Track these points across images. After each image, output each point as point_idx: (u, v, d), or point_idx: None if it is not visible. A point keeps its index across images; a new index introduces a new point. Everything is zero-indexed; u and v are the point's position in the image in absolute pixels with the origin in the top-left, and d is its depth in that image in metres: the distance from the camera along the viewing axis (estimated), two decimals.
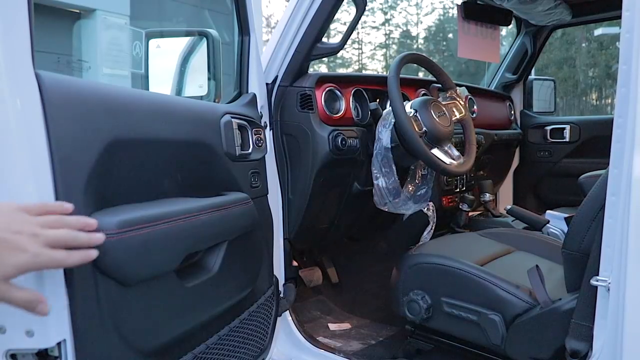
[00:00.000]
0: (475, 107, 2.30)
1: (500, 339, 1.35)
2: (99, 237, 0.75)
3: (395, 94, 1.57)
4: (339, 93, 1.67)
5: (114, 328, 0.90)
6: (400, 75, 1.62)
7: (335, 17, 1.61)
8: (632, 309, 1.02)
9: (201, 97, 1.45)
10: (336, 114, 1.65)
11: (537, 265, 1.34)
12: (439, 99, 1.77)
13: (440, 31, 20.63)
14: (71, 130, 0.83)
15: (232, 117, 1.27)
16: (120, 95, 0.98)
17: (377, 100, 1.82)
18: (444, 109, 1.71)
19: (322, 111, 1.61)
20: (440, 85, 1.85)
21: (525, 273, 1.34)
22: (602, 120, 2.66)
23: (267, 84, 1.56)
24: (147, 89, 1.42)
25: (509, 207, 2.12)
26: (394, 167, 1.62)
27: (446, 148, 1.68)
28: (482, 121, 2.30)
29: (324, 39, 1.60)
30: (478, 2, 2.26)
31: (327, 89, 1.64)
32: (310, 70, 1.65)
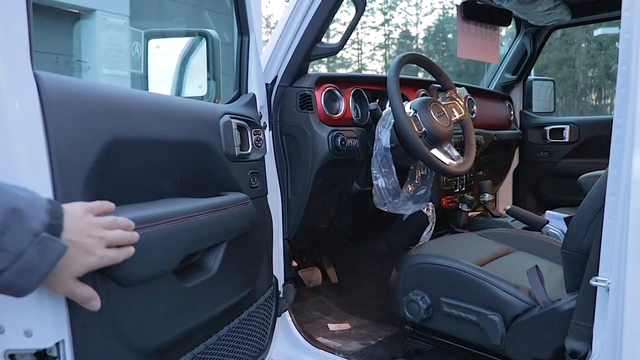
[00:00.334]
0: (474, 107, 2.30)
1: (500, 339, 1.35)
2: (136, 236, 0.84)
3: (394, 94, 1.57)
4: (338, 93, 1.67)
5: (112, 328, 0.89)
6: (400, 76, 1.62)
7: (335, 17, 1.61)
8: (631, 309, 1.02)
9: (201, 98, 1.45)
10: (336, 114, 1.65)
11: (536, 266, 1.34)
12: (438, 99, 1.77)
13: (439, 31, 20.63)
14: (70, 130, 0.83)
15: (231, 118, 1.27)
16: (119, 95, 0.98)
17: (377, 100, 1.82)
18: (444, 109, 1.71)
19: (322, 111, 1.61)
20: (439, 86, 1.85)
21: (525, 273, 1.34)
22: (602, 121, 2.66)
23: (266, 84, 1.56)
24: (147, 90, 1.41)
25: (508, 207, 2.12)
26: (393, 168, 1.62)
27: (446, 148, 1.68)
28: (482, 121, 2.30)
29: (324, 39, 1.60)
30: (477, 2, 2.26)
31: (326, 89, 1.64)
32: (310, 70, 1.65)
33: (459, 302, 1.44)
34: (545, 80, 2.96)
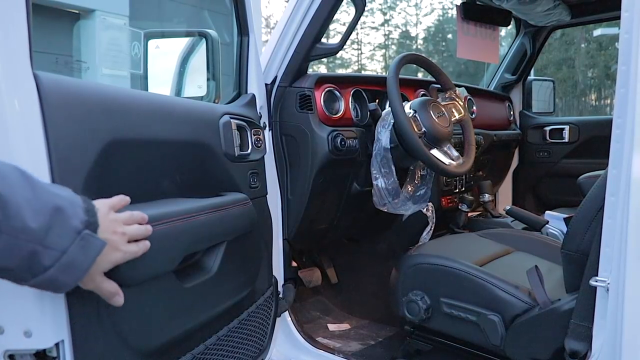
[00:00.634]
0: (474, 107, 2.30)
1: (500, 339, 1.35)
2: (150, 229, 0.86)
3: (394, 94, 1.57)
4: (338, 93, 1.67)
5: (112, 328, 0.89)
6: (400, 76, 1.62)
7: (335, 17, 1.61)
8: (631, 309, 1.02)
9: (200, 98, 1.45)
10: (335, 114, 1.65)
11: (536, 266, 1.34)
12: (438, 100, 1.77)
13: (439, 32, 20.63)
14: (69, 130, 0.83)
15: (231, 118, 1.27)
16: (119, 95, 0.98)
17: (377, 100, 1.82)
18: (443, 109, 1.71)
19: (322, 112, 1.61)
20: (439, 86, 1.85)
21: (525, 273, 1.34)
22: (601, 121, 2.66)
23: (266, 84, 1.56)
24: (146, 90, 1.42)
25: (508, 207, 2.12)
26: (393, 168, 1.62)
27: (445, 148, 1.68)
28: (482, 122, 2.30)
29: (323, 40, 1.60)
30: (477, 2, 2.26)
31: (326, 89, 1.64)
32: (310, 70, 1.65)
33: (458, 302, 1.44)
34: (545, 80, 2.96)
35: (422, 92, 1.98)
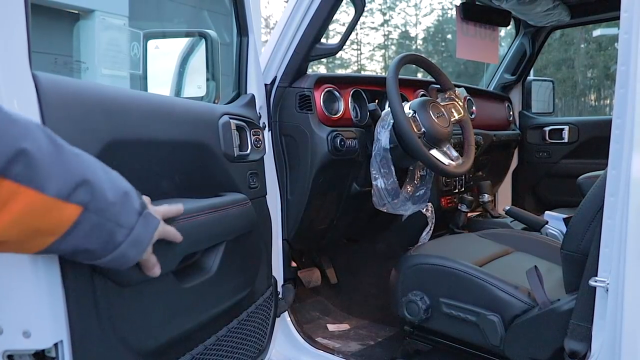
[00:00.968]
0: (474, 107, 2.30)
1: (499, 339, 1.35)
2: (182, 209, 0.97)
3: (394, 94, 1.57)
4: (337, 94, 1.67)
5: (111, 329, 0.89)
6: (399, 76, 1.62)
7: (334, 17, 1.61)
8: (630, 310, 1.02)
9: (200, 98, 1.45)
10: (335, 114, 1.65)
11: (535, 266, 1.34)
12: (437, 100, 1.77)
13: (439, 32, 20.65)
14: (68, 131, 0.83)
15: (230, 118, 1.27)
16: (118, 96, 0.98)
17: (376, 101, 1.82)
18: (443, 109, 1.71)
19: (321, 112, 1.61)
20: (439, 86, 1.85)
21: (524, 274, 1.34)
22: (601, 121, 2.66)
23: (265, 84, 1.56)
24: (146, 90, 1.41)
25: (507, 207, 2.12)
26: (392, 168, 1.62)
27: (445, 149, 1.68)
28: (481, 122, 2.30)
29: (323, 40, 1.60)
30: (477, 3, 2.26)
31: (326, 89, 1.64)
32: (309, 71, 1.65)
33: (458, 302, 1.44)
34: (545, 80, 2.96)
35: (422, 93, 1.98)
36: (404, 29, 21.43)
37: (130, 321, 0.93)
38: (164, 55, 1.46)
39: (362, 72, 20.60)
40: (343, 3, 1.56)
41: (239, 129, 1.30)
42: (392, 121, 1.61)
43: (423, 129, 1.62)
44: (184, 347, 1.10)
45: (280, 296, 1.61)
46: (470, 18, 2.23)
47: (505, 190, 2.84)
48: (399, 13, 22.33)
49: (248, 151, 1.33)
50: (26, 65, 0.78)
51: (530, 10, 2.28)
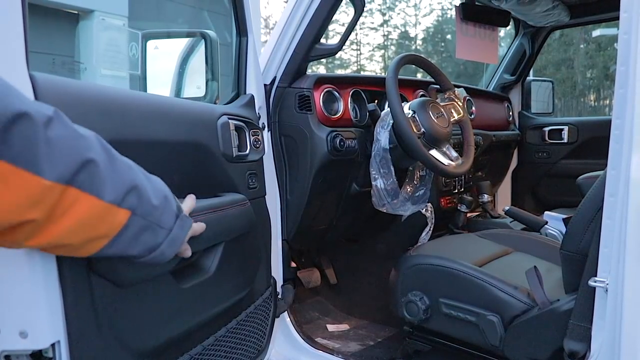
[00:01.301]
0: (473, 108, 2.30)
1: (499, 339, 1.35)
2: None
3: (393, 95, 1.57)
4: (337, 94, 1.67)
5: (108, 329, 0.89)
6: (399, 77, 1.62)
7: (334, 18, 1.61)
8: (630, 310, 1.02)
9: (200, 99, 1.44)
10: (334, 115, 1.65)
11: (535, 266, 1.33)
12: (437, 100, 1.77)
13: (438, 32, 20.67)
14: None
15: (229, 118, 1.27)
16: (115, 96, 0.98)
17: (376, 101, 1.82)
18: (442, 110, 1.71)
19: (321, 112, 1.61)
20: (438, 86, 1.85)
21: (524, 274, 1.34)
22: (600, 122, 2.66)
23: (265, 85, 1.56)
24: (145, 91, 1.41)
25: (507, 208, 2.12)
26: (392, 168, 1.62)
27: (444, 149, 1.68)
28: (481, 122, 2.30)
29: (322, 40, 1.60)
30: (476, 3, 2.26)
31: (325, 90, 1.64)
32: (309, 71, 1.65)
33: (457, 302, 1.44)
34: (544, 81, 2.96)
35: (421, 93, 1.98)
36: (403, 29, 21.45)
37: (128, 321, 0.93)
38: (163, 56, 1.46)
39: (362, 73, 20.62)
40: (342, 3, 1.56)
41: (237, 129, 1.30)
42: (391, 121, 1.61)
43: (422, 129, 1.62)
44: (182, 347, 1.10)
45: (279, 296, 1.61)
46: (469, 18, 2.23)
47: (504, 191, 2.84)
48: (399, 13, 22.35)
49: (247, 151, 1.33)
50: (23, 65, 0.78)
51: (530, 11, 2.28)
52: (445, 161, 1.65)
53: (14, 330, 0.78)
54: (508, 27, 2.54)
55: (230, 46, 1.48)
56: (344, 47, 1.68)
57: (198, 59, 1.46)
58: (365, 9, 1.57)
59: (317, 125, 1.58)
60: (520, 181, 2.82)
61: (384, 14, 21.15)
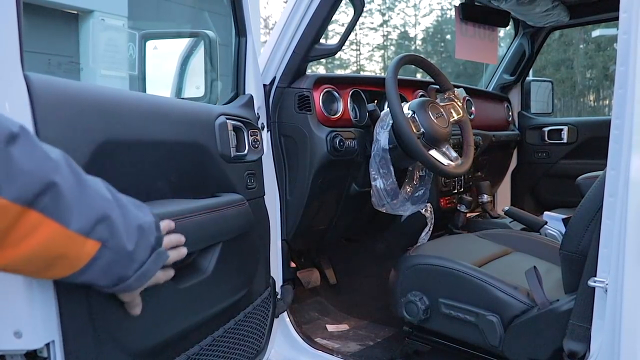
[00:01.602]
0: (473, 108, 2.30)
1: (498, 340, 1.35)
2: (183, 239, 0.94)
3: (393, 95, 1.57)
4: (336, 94, 1.67)
5: (104, 329, 0.89)
6: (398, 77, 1.62)
7: (333, 18, 1.61)
8: (629, 310, 1.02)
9: (198, 99, 1.44)
10: (334, 115, 1.65)
11: (534, 267, 1.33)
12: (436, 100, 1.77)
13: (438, 32, 20.68)
14: (61, 131, 0.83)
15: (227, 119, 1.27)
16: (112, 96, 0.98)
17: (375, 101, 1.81)
18: (442, 110, 1.71)
19: (320, 112, 1.61)
20: (438, 87, 1.85)
21: (523, 274, 1.34)
22: (600, 122, 2.66)
23: (264, 85, 1.56)
24: (144, 91, 1.41)
25: (506, 208, 2.12)
26: (391, 169, 1.62)
27: (444, 149, 1.68)
28: (480, 122, 2.30)
29: (322, 40, 1.60)
30: (476, 3, 2.26)
31: (325, 90, 1.64)
32: (308, 71, 1.64)
33: (457, 303, 1.44)
34: (544, 81, 2.96)
35: (421, 93, 1.98)
36: (403, 30, 21.46)
37: (124, 321, 0.93)
38: (161, 56, 1.46)
39: (361, 73, 20.62)
40: (342, 3, 1.56)
41: (236, 129, 1.30)
42: (391, 122, 1.61)
43: (422, 130, 1.62)
44: (180, 347, 1.10)
45: (279, 297, 1.61)
46: (469, 18, 2.23)
47: (504, 191, 2.84)
48: (398, 13, 22.38)
49: (245, 152, 1.33)
50: (18, 66, 0.77)
51: (530, 11, 2.28)
52: (445, 161, 1.65)
53: (9, 330, 0.77)
54: (508, 28, 2.54)
55: (229, 46, 1.48)
56: (343, 47, 1.68)
57: (197, 59, 1.46)
58: (364, 9, 1.57)
59: (316, 125, 1.58)
60: (519, 181, 2.82)
61: (383, 14, 21.17)
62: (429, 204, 1.80)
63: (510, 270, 1.49)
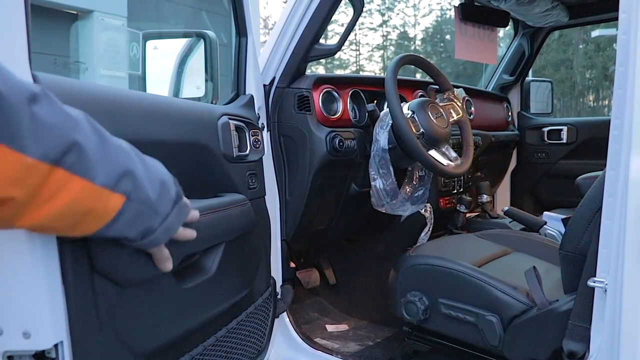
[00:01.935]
0: (472, 108, 2.30)
1: (498, 340, 1.35)
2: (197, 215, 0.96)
3: (392, 95, 1.57)
4: (336, 94, 1.67)
5: (111, 330, 0.89)
6: (398, 77, 1.62)
7: (333, 18, 1.61)
8: (629, 310, 1.02)
9: (199, 99, 1.45)
10: (334, 115, 1.65)
11: (534, 267, 1.34)
12: (436, 101, 1.77)
13: (437, 33, 20.68)
14: None
15: (229, 119, 1.27)
16: (116, 96, 0.98)
17: (375, 101, 1.82)
18: (442, 110, 1.71)
19: (320, 112, 1.61)
20: (437, 87, 1.85)
21: (523, 274, 1.34)
22: (599, 122, 2.66)
23: (264, 85, 1.56)
24: (145, 91, 1.41)
25: (506, 208, 2.12)
26: (391, 169, 1.62)
27: (443, 149, 1.69)
28: (480, 122, 2.30)
29: (322, 40, 1.60)
30: (475, 3, 2.26)
31: (324, 90, 1.64)
32: (308, 71, 1.65)
33: (457, 303, 1.44)
34: (543, 81, 2.96)
35: (421, 93, 1.98)
36: (402, 30, 21.46)
37: (130, 322, 0.93)
38: (163, 56, 1.46)
39: (361, 73, 20.63)
40: (342, 3, 1.56)
41: (238, 129, 1.30)
42: (390, 122, 1.61)
43: (422, 130, 1.62)
44: (184, 348, 1.10)
45: (279, 297, 1.61)
46: (469, 19, 2.23)
47: (503, 191, 2.84)
48: (398, 14, 22.38)
49: (247, 152, 1.33)
50: (26, 65, 0.78)
51: (529, 11, 2.29)
52: (445, 161, 1.65)
53: (17, 331, 0.78)
54: (507, 28, 2.54)
55: (229, 46, 1.48)
56: (343, 48, 1.68)
57: (197, 59, 1.46)
58: (364, 9, 1.57)
59: (316, 125, 1.58)
60: (519, 181, 2.83)
61: (383, 15, 21.18)
62: (428, 204, 1.80)
63: (509, 270, 1.49)
